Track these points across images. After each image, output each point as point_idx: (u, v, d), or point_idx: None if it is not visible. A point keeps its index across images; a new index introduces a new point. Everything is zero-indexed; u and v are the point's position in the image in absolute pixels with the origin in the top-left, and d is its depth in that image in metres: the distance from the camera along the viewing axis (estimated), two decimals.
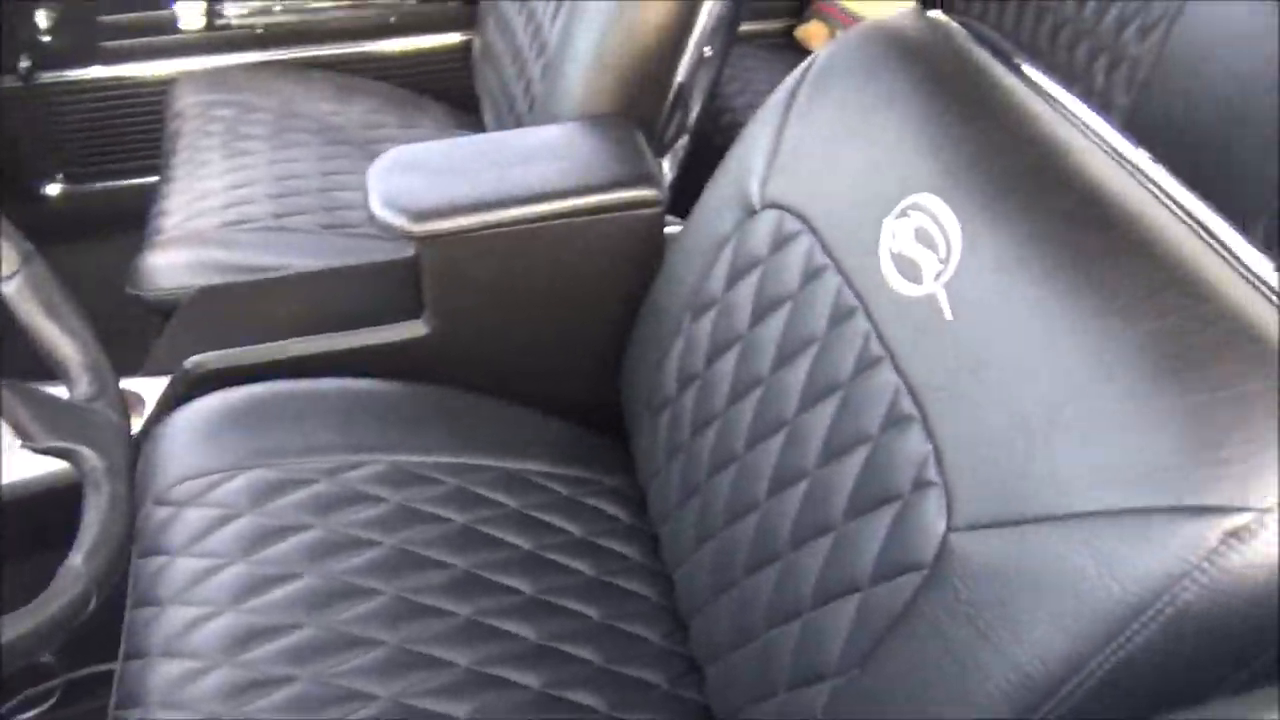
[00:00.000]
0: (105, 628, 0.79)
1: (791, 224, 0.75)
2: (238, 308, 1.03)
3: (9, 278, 0.64)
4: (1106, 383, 0.51)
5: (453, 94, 1.58)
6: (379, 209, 0.92)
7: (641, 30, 1.05)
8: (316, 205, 1.25)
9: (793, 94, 0.80)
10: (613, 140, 1.03)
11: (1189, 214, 0.57)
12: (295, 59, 1.54)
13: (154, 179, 1.37)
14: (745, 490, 0.76)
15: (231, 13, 1.48)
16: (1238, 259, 0.54)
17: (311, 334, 1.00)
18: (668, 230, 1.00)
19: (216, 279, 1.08)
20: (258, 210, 1.22)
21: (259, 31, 1.52)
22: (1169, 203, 0.58)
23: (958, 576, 0.55)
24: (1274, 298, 0.51)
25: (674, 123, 1.14)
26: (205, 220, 1.20)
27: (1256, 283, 0.52)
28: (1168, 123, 1.28)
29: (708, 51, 1.08)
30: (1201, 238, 0.55)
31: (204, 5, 1.49)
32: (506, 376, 1.01)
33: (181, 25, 1.49)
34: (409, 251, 1.06)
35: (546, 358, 1.02)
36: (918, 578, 0.58)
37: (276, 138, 1.36)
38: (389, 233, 0.93)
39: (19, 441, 0.62)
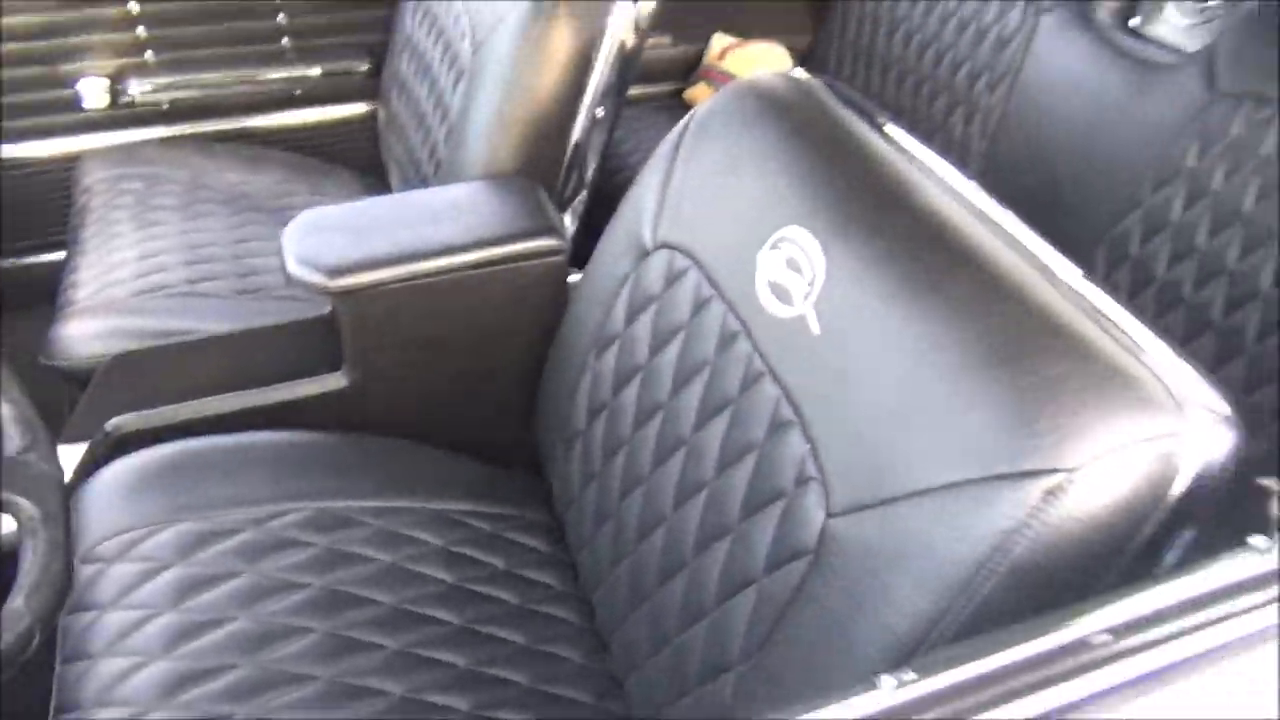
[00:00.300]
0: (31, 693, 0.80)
1: (681, 261, 0.84)
2: (156, 371, 1.06)
3: None
4: (942, 377, 0.59)
5: (359, 162, 1.64)
6: (295, 268, 0.97)
7: (537, 95, 1.13)
8: (230, 271, 1.29)
9: (676, 146, 0.88)
10: (516, 196, 1.10)
11: (1011, 235, 0.67)
12: (202, 133, 1.58)
13: (62, 254, 1.39)
14: (653, 508, 0.82)
15: (136, 90, 1.51)
16: (1049, 268, 0.64)
17: (231, 392, 1.03)
18: (570, 279, 1.07)
19: (133, 345, 1.10)
20: (171, 278, 1.25)
21: (164, 108, 1.56)
22: (995, 227, 0.68)
23: (836, 556, 0.62)
24: (1077, 298, 0.61)
25: (572, 180, 1.22)
26: (118, 289, 1.22)
27: (1064, 286, 0.62)
28: (1018, 164, 1.42)
29: (600, 113, 1.17)
30: (1020, 253, 0.65)
31: (108, 83, 1.52)
32: (426, 421, 1.06)
33: (86, 104, 1.51)
34: (324, 310, 1.11)
35: (463, 402, 1.08)
36: (804, 563, 0.65)
37: (186, 209, 1.40)
38: (306, 290, 0.98)
39: None
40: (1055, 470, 0.53)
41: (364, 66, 1.62)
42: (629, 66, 1.17)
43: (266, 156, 1.58)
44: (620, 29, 1.12)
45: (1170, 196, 1.20)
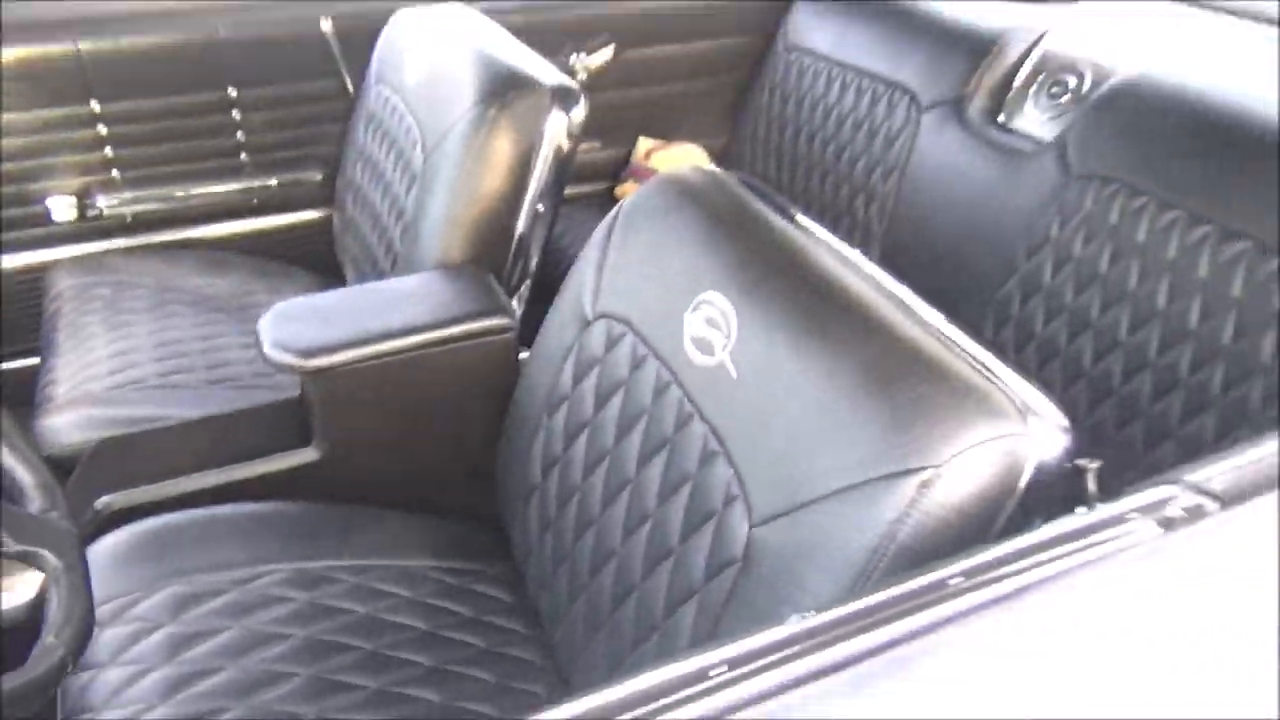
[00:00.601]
0: None
1: (618, 328, 0.97)
2: (138, 454, 1.14)
3: None
4: (836, 402, 0.73)
5: (315, 264, 1.76)
6: (271, 352, 1.08)
7: (484, 194, 1.27)
8: (199, 364, 1.38)
9: (609, 232, 1.03)
10: (468, 283, 1.23)
11: (891, 291, 0.82)
12: (166, 241, 1.69)
13: (35, 360, 1.47)
14: (604, 544, 0.93)
15: (103, 204, 1.62)
16: (918, 314, 0.78)
17: (209, 469, 1.12)
18: (521, 356, 1.20)
19: (114, 432, 1.18)
20: (144, 372, 1.34)
21: (129, 219, 1.67)
22: (873, 283, 0.83)
23: (760, 560, 0.74)
24: (940, 335, 0.76)
25: (518, 269, 1.36)
26: (95, 384, 1.31)
27: (931, 327, 0.77)
28: (913, 242, 1.61)
29: (540, 208, 1.32)
30: (895, 303, 0.80)
31: (75, 199, 1.63)
32: (392, 487, 1.16)
33: (55, 217, 1.62)
34: (291, 394, 1.21)
35: (427, 468, 1.18)
36: (734, 570, 0.76)
37: (154, 310, 1.50)
38: (281, 371, 1.09)
39: None
40: (926, 467, 0.66)
41: (318, 176, 1.75)
42: (564, 167, 1.32)
43: (227, 261, 1.69)
44: (555, 135, 1.28)
45: (1041, 263, 1.39)
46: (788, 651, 0.50)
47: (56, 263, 1.60)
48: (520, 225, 1.31)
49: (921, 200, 1.61)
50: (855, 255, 0.86)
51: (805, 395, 0.75)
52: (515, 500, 1.08)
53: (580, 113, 1.29)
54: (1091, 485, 0.65)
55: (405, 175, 1.39)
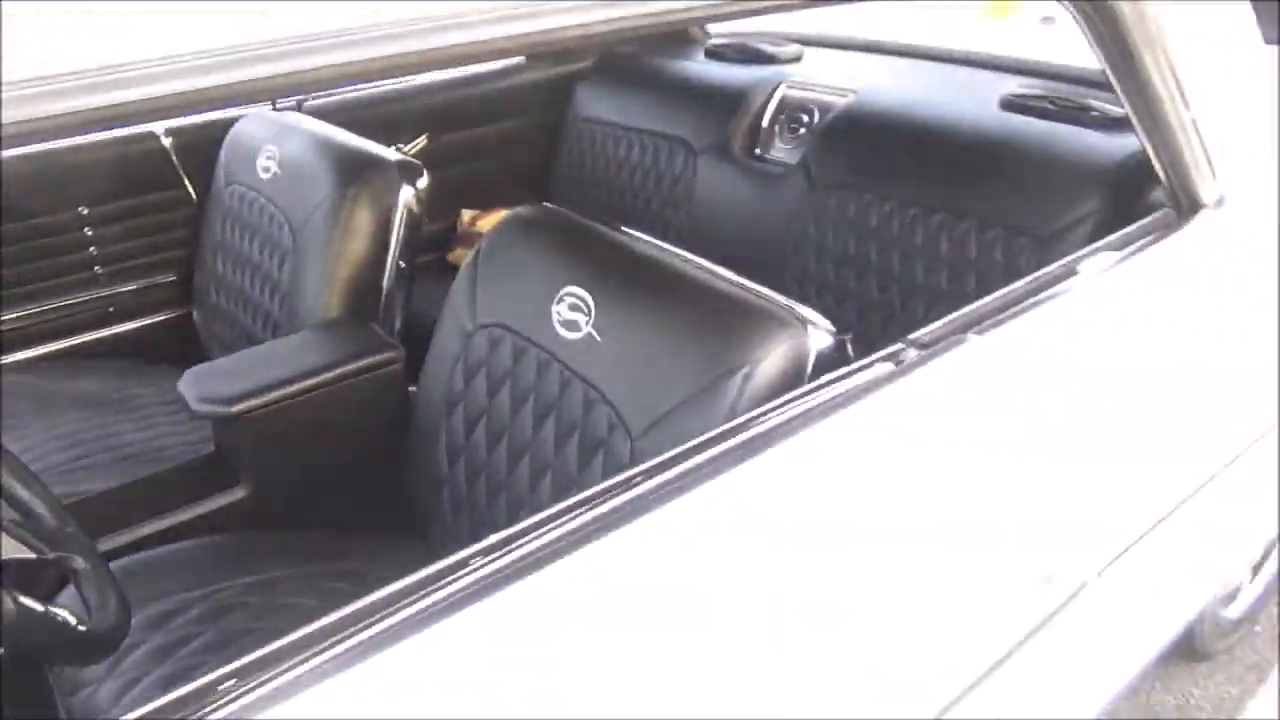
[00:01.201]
0: None
1: (497, 333, 1.22)
2: (83, 515, 1.27)
3: None
4: (678, 337, 1.01)
5: (178, 361, 1.88)
6: (198, 405, 1.26)
7: (353, 256, 1.50)
8: (102, 449, 1.50)
9: (475, 264, 1.28)
10: (351, 329, 1.45)
11: (701, 263, 1.12)
12: (35, 356, 1.78)
13: None
14: (514, 501, 1.16)
15: None
16: (724, 275, 1.09)
17: (150, 520, 1.27)
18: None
19: None
20: (51, 462, 1.45)
21: None
22: (690, 260, 1.13)
23: (643, 463, 1.01)
24: (742, 285, 1.06)
25: (389, 319, 1.58)
26: None
27: (734, 280, 1.07)
28: (706, 255, 1.95)
29: (402, 264, 1.56)
30: (708, 271, 1.10)
31: None
32: (316, 509, 1.34)
33: None
34: (207, 449, 1.38)
35: (344, 488, 1.37)
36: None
37: (42, 415, 1.60)
38: (209, 417, 1.26)
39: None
40: (744, 365, 0.96)
41: (172, 277, 1.90)
42: (417, 228, 1.57)
43: (94, 368, 1.80)
44: (407, 202, 1.53)
45: (806, 255, 1.76)
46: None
47: None
48: (386, 281, 1.54)
49: (707, 223, 1.97)
50: (675, 248, 1.16)
51: (655, 338, 1.04)
52: (428, 496, 1.29)
53: (424, 182, 1.55)
54: (850, 352, 0.97)
55: (276, 254, 1.59)
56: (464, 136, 2.20)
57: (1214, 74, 1.21)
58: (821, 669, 0.82)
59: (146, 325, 1.91)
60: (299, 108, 1.93)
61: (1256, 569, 1.84)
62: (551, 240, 1.22)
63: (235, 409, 1.27)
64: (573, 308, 1.13)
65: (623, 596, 0.74)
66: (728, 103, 2.01)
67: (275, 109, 1.88)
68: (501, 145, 2.27)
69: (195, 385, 1.29)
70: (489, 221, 2.16)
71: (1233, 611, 1.79)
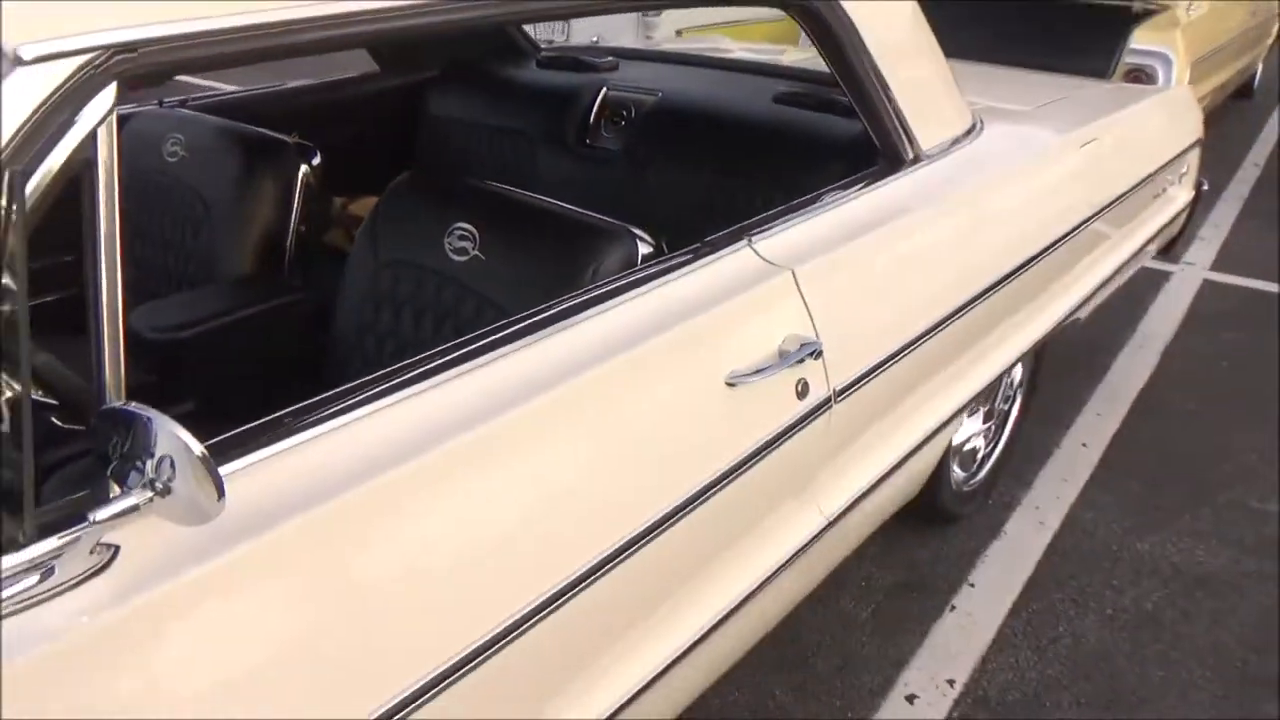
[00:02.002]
0: None
1: (400, 268, 1.58)
2: None
3: None
4: (547, 255, 1.42)
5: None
6: (150, 333, 1.55)
7: (261, 222, 1.82)
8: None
9: (374, 217, 1.64)
10: (266, 280, 1.76)
11: (553, 201, 1.53)
12: None
13: None
14: None
15: None
16: (576, 209, 1.50)
17: None
18: None
19: None
20: None
21: None
22: (551, 203, 1.53)
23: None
24: (587, 214, 1.48)
25: (294, 277, 1.90)
26: None
27: (582, 212, 1.49)
28: None
29: (303, 229, 1.88)
30: (560, 207, 1.51)
31: None
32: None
33: None
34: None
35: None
36: None
37: None
38: (162, 344, 1.56)
39: None
40: (593, 264, 1.37)
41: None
42: (313, 199, 1.90)
43: None
44: (305, 175, 1.86)
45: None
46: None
47: None
48: (290, 242, 1.87)
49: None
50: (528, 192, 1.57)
51: (528, 252, 1.44)
52: None
53: (317, 159, 1.89)
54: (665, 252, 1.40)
55: (189, 225, 1.87)
56: (331, 134, 2.52)
57: (902, 67, 1.74)
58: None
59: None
60: (184, 105, 2.21)
61: (994, 441, 2.42)
62: (437, 191, 1.60)
63: (185, 334, 1.57)
64: (461, 238, 1.51)
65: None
66: (560, 102, 2.43)
67: (162, 106, 2.14)
68: (362, 140, 2.60)
69: (147, 318, 1.58)
70: (362, 205, 2.48)
71: (974, 480, 2.36)
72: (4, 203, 0.73)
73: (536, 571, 1.07)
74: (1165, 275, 3.90)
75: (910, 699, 1.88)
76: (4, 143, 0.73)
